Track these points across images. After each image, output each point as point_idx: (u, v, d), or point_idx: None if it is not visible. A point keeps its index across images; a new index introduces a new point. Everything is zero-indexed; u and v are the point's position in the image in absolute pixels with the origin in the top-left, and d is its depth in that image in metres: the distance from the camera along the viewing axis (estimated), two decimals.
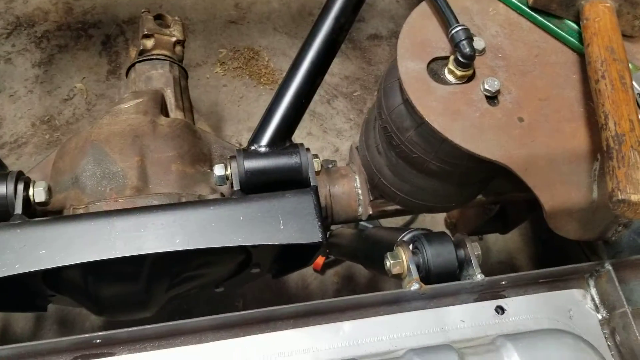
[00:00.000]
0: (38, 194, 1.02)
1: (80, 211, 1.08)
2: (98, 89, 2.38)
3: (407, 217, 2.10)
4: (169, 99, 1.53)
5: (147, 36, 1.63)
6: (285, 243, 1.00)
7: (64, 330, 1.82)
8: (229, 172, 1.08)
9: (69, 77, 2.40)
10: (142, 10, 1.66)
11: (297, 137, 2.48)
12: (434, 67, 0.98)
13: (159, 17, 1.70)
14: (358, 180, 1.30)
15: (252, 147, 1.11)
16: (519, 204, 1.59)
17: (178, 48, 1.68)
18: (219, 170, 1.08)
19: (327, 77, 2.57)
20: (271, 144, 1.12)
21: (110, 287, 1.15)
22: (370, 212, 1.30)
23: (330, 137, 2.39)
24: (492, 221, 1.65)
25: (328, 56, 1.18)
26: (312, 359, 0.81)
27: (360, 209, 1.30)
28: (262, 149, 1.11)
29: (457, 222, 1.79)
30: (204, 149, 1.28)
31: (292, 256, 1.26)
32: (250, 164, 1.07)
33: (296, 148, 1.11)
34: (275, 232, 1.00)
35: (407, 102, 0.97)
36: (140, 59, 1.59)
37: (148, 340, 0.80)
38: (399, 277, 0.93)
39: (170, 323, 0.80)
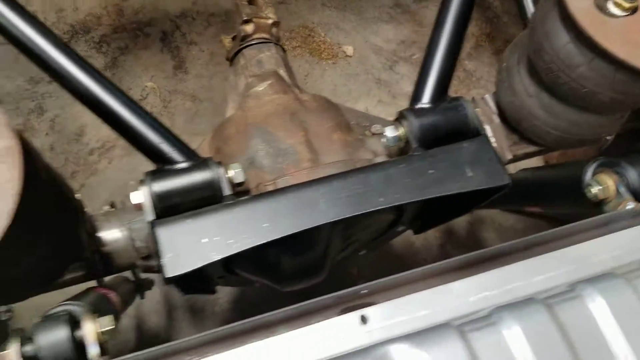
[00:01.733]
0: (237, 175, 1.07)
1: (270, 188, 1.14)
2: (168, 85, 2.42)
3: None
4: (284, 78, 1.57)
5: (246, 21, 1.66)
6: (478, 189, 1.06)
7: (196, 317, 1.89)
8: (400, 132, 1.14)
9: (137, 77, 2.44)
10: None
11: (369, 106, 2.54)
12: (599, 3, 1.03)
13: (251, 2, 1.74)
14: (490, 129, 1.36)
15: (418, 105, 1.16)
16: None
17: (274, 29, 1.72)
18: (391, 131, 1.14)
19: (383, 44, 2.62)
20: (434, 100, 1.17)
21: (296, 257, 1.21)
22: (510, 157, 1.37)
23: (401, 102, 2.44)
24: None
25: (469, 7, 1.22)
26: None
27: None
28: (428, 106, 1.16)
29: (558, 161, 1.86)
30: (347, 118, 1.33)
31: (444, 208, 1.32)
32: (423, 120, 1.13)
33: (459, 100, 1.16)
34: (465, 180, 1.06)
35: (578, 39, 1.02)
36: (246, 45, 1.63)
37: (400, 286, 0.87)
38: (602, 203, 0.99)
39: (414, 270, 0.87)
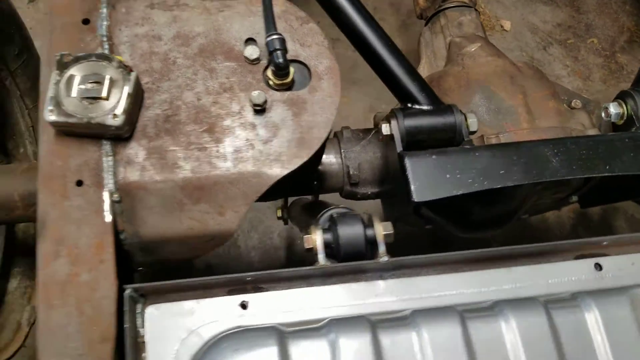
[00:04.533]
0: (472, 124, 1.20)
1: (493, 140, 1.26)
2: (333, 33, 2.53)
3: None
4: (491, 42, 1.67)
5: None
6: None
7: None
8: (623, 110, 1.23)
9: None
10: None
11: None
12: None
13: None
14: None
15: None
16: None
17: None
18: (615, 108, 1.24)
19: (540, 24, 2.67)
20: None
21: (495, 206, 1.33)
22: None
23: None
24: None
25: None
26: None
27: None
28: None
29: None
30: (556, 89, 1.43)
31: (627, 188, 1.41)
32: None
33: None
34: None
35: None
36: (449, 6, 1.74)
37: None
38: None
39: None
